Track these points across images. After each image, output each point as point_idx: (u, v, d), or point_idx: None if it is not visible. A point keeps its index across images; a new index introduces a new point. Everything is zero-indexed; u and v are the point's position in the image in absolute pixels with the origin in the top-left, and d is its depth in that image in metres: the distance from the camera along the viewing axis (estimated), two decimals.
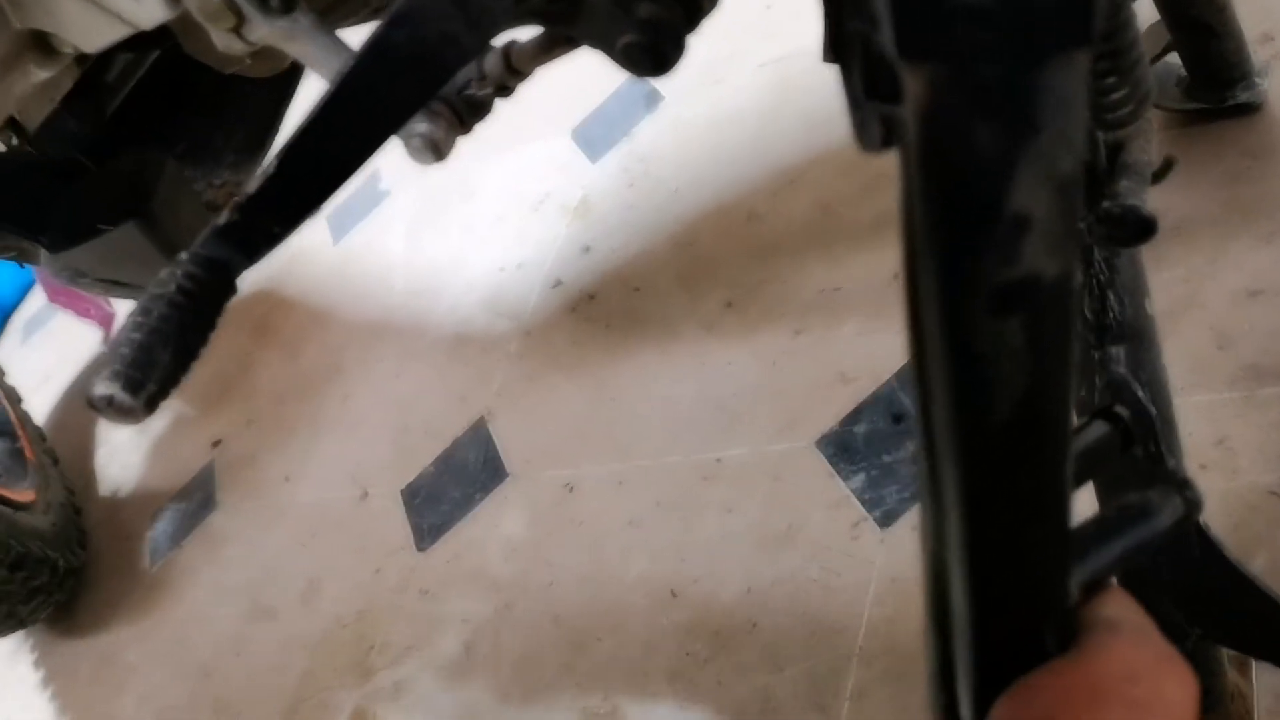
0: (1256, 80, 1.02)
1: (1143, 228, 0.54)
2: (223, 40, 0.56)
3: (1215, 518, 0.83)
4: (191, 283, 0.53)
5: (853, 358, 1.16)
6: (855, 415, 1.11)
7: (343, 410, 1.77)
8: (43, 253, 0.87)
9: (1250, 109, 1.03)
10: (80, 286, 0.93)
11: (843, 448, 1.09)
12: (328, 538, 1.57)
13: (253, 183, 0.51)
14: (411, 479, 1.53)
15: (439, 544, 1.40)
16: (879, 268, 1.22)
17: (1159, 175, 0.57)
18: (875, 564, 0.99)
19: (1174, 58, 1.06)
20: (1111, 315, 0.62)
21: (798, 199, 1.39)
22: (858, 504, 1.04)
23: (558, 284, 1.62)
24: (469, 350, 1.66)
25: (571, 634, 1.16)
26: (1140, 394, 0.61)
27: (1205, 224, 1.00)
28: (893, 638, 0.93)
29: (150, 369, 0.52)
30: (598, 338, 1.49)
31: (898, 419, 1.07)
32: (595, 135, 1.83)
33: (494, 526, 1.36)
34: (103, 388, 0.51)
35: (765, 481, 1.13)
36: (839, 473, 1.08)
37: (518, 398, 1.51)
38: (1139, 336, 0.62)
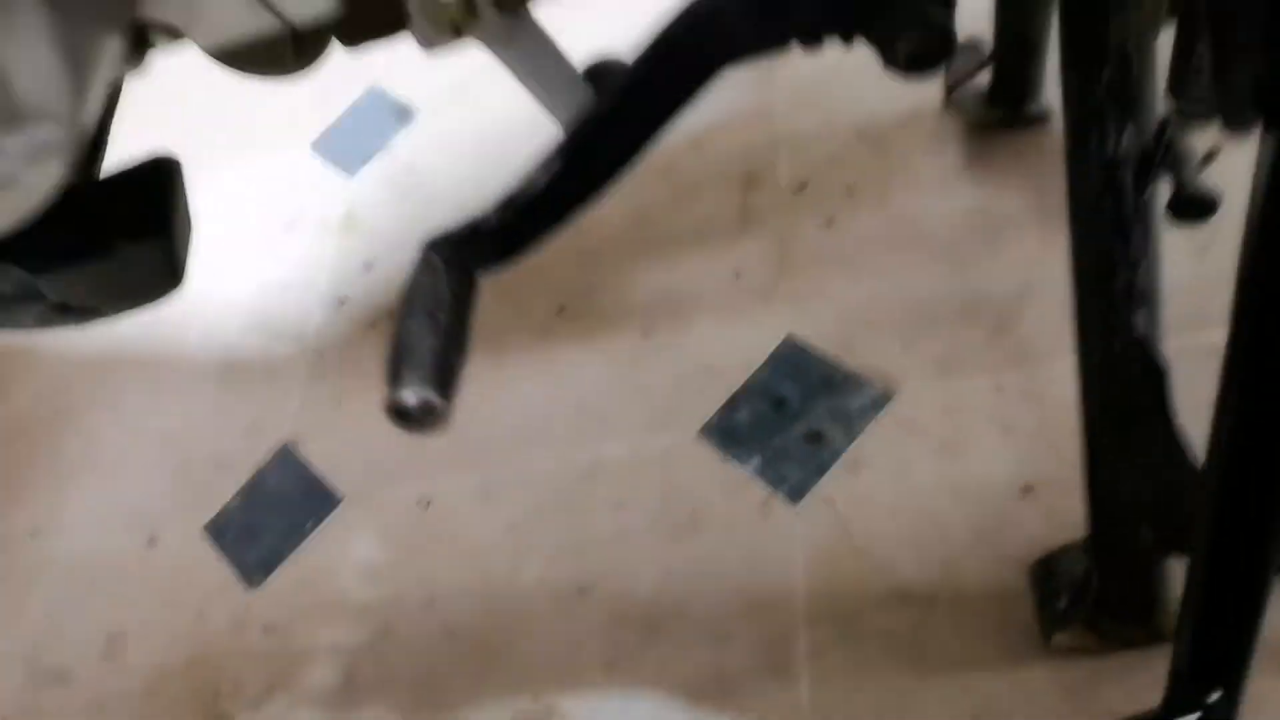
0: (1043, 93, 1.20)
1: (1212, 205, 0.65)
2: (432, 34, 0.53)
3: None
4: (459, 287, 0.51)
5: (714, 352, 1.23)
6: (733, 404, 1.18)
7: (89, 452, 1.60)
8: None
9: (1042, 119, 1.21)
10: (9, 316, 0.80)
11: (728, 435, 1.16)
12: (115, 589, 1.42)
13: (532, 179, 0.50)
14: (212, 515, 1.42)
15: (274, 577, 1.32)
16: (717, 267, 1.30)
17: (1207, 160, 0.68)
18: (796, 536, 1.06)
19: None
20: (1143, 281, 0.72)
21: (608, 207, 1.43)
22: (761, 483, 1.11)
23: (343, 302, 1.56)
24: (247, 377, 1.56)
25: (474, 645, 1.14)
26: (1156, 350, 0.73)
27: (1032, 217, 1.16)
28: (836, 601, 1.01)
29: (448, 372, 0.50)
30: None
31: (779, 403, 1.15)
32: (343, 149, 1.77)
33: (341, 553, 1.29)
34: (414, 395, 0.48)
35: (654, 474, 1.17)
36: (732, 457, 1.14)
37: (327, 420, 1.44)
38: (1156, 305, 0.73)
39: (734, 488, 1.12)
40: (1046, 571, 0.89)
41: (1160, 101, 0.68)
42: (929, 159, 1.27)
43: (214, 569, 1.36)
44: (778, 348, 1.19)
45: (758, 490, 1.11)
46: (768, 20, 0.50)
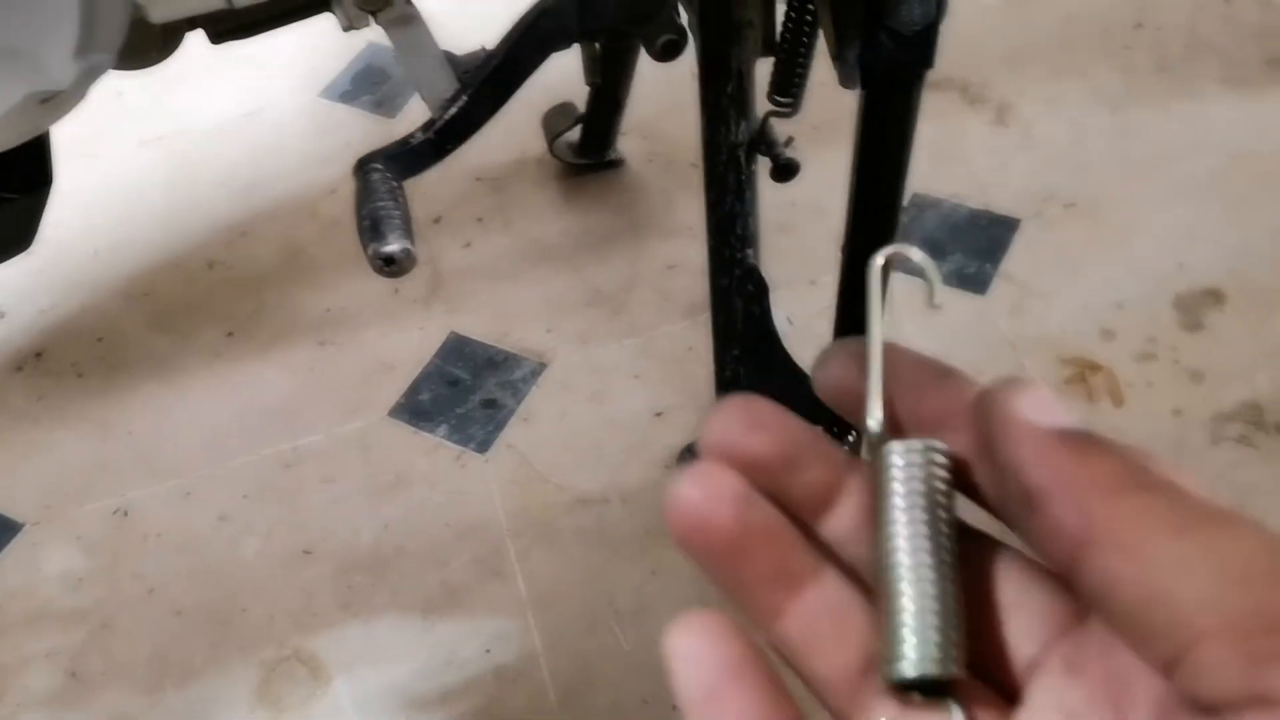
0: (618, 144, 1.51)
1: (796, 168, 0.95)
2: (350, 17, 0.67)
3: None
4: (396, 185, 0.68)
5: (388, 351, 1.38)
6: (415, 389, 1.34)
7: None
8: None
9: (618, 164, 1.52)
10: None
11: (415, 413, 1.32)
12: None
13: (447, 110, 0.68)
14: None
15: None
16: (376, 287, 1.45)
17: (788, 143, 0.97)
18: (489, 476, 1.24)
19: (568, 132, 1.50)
20: (752, 226, 1.01)
21: (258, 246, 1.54)
22: (452, 445, 1.28)
23: None
24: None
25: (206, 617, 1.19)
26: (760, 274, 1.02)
27: (623, 231, 1.45)
28: (532, 516, 1.20)
29: (414, 235, 0.66)
30: (69, 388, 1.44)
31: (454, 383, 1.33)
32: None
33: (35, 571, 1.27)
34: (398, 244, 0.64)
35: (354, 452, 1.30)
36: (422, 430, 1.30)
37: None
38: (757, 243, 1.03)
39: (429, 451, 1.28)
40: (690, 455, 1.16)
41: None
42: (538, 194, 1.52)
43: None
44: (444, 342, 1.38)
45: (450, 449, 1.28)
46: (583, 22, 0.72)
